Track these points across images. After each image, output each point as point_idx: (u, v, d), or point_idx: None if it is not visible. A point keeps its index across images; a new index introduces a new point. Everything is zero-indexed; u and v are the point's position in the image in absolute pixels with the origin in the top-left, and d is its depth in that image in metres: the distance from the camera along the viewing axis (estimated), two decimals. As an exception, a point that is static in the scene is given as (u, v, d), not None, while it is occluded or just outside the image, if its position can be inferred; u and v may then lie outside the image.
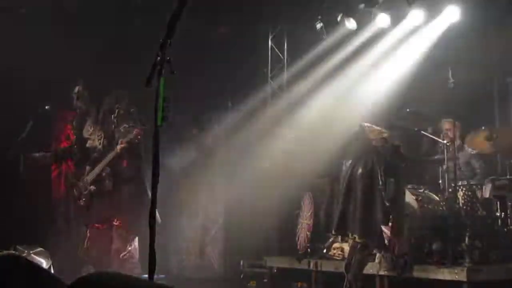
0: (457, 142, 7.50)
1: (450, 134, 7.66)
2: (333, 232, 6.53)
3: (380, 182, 6.20)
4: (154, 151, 3.14)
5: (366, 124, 6.59)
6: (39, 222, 10.23)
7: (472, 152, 7.94)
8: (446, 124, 7.85)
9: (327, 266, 7.61)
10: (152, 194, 3.12)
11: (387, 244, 6.31)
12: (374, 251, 6.54)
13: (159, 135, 3.17)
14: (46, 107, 8.24)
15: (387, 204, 6.19)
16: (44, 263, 8.15)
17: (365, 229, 6.21)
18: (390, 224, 6.42)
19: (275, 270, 8.67)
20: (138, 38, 8.93)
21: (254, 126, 9.50)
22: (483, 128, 7.62)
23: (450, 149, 7.38)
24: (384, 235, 6.34)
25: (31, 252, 8.20)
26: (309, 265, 7.83)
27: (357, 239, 6.22)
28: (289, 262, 8.38)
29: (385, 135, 6.46)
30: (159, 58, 3.20)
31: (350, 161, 6.49)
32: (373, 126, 6.53)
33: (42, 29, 9.07)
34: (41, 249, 8.52)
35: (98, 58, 9.48)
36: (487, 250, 6.61)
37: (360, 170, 6.33)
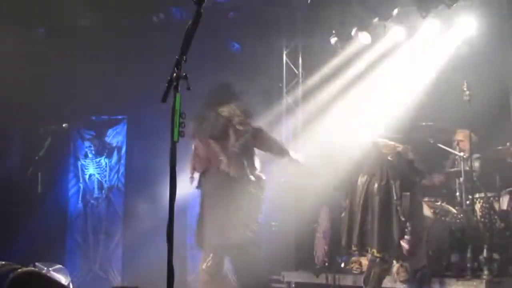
0: (467, 154, 7.47)
1: (463, 145, 7.65)
2: (353, 248, 6.48)
3: (395, 197, 6.18)
4: (171, 165, 3.18)
5: (380, 139, 6.58)
6: (57, 238, 10.33)
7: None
8: (459, 135, 7.84)
9: (345, 281, 7.58)
10: (169, 208, 3.15)
11: (405, 254, 6.30)
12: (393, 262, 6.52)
13: (176, 151, 3.21)
14: (64, 125, 8.30)
15: (403, 219, 6.17)
16: (63, 280, 8.21)
17: (383, 243, 6.18)
18: (407, 237, 6.41)
19: (293, 285, 8.65)
20: (156, 54, 9.01)
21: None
22: (508, 144, 7.62)
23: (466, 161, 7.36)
24: (403, 248, 6.33)
25: (50, 269, 8.26)
26: (327, 280, 7.81)
27: (375, 254, 6.20)
28: (307, 276, 8.36)
29: (399, 149, 6.44)
30: (175, 74, 3.24)
31: (366, 176, 6.48)
32: (387, 140, 6.52)
33: (59, 48, 9.20)
34: (60, 266, 8.58)
35: (113, 76, 9.60)
36: (506, 263, 6.58)
37: (376, 185, 6.32)
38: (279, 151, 6.46)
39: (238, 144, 6.12)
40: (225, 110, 6.19)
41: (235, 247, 6.08)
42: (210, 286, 6.19)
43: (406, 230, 6.27)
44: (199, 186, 6.36)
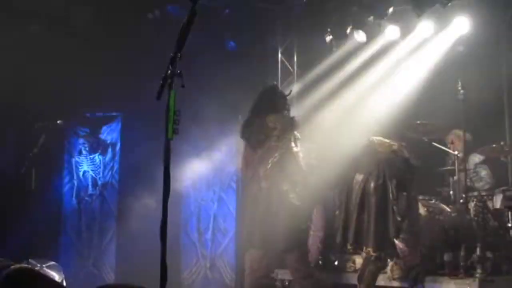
0: (462, 154, 7.49)
1: (455, 146, 7.69)
2: (348, 246, 6.47)
3: (391, 196, 6.19)
4: (165, 164, 3.17)
5: (375, 137, 6.58)
6: (50, 235, 10.31)
7: (478, 161, 7.95)
8: (453, 135, 7.87)
9: (338, 279, 7.59)
10: (163, 206, 3.15)
11: (399, 254, 6.32)
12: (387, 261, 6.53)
13: (170, 148, 3.21)
14: (58, 122, 8.29)
15: (399, 219, 6.18)
16: (56, 277, 8.19)
17: (378, 242, 6.18)
18: (402, 236, 6.43)
19: (287, 283, 8.65)
20: (150, 51, 9.00)
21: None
22: (502, 143, 7.64)
23: (461, 160, 7.39)
24: (397, 246, 6.34)
25: (43, 265, 8.25)
26: (320, 278, 7.81)
27: (371, 253, 6.20)
28: (301, 274, 8.35)
29: (394, 147, 6.44)
30: (169, 71, 3.24)
31: (362, 175, 6.47)
32: (382, 139, 6.52)
33: (54, 44, 9.18)
34: (53, 263, 8.56)
35: (108, 72, 9.58)
36: (499, 261, 6.60)
37: (372, 184, 6.31)
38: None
39: (275, 157, 6.13)
40: (272, 120, 6.16)
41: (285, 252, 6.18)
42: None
43: (401, 229, 6.29)
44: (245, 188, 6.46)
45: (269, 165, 6.04)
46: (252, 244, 6.25)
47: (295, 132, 6.29)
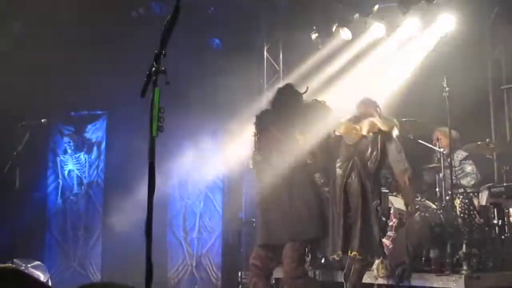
0: (447, 151, 7.50)
1: (441, 143, 7.71)
2: (338, 252, 6.35)
3: (371, 195, 6.12)
4: (150, 160, 3.16)
5: (341, 124, 6.44)
6: (35, 235, 10.23)
7: (462, 157, 7.98)
8: (439, 133, 7.89)
9: (325, 276, 7.59)
10: (148, 205, 3.13)
11: (386, 252, 6.31)
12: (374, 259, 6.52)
13: (155, 145, 3.19)
14: (42, 121, 8.23)
15: (384, 219, 6.18)
16: (41, 276, 8.14)
17: (364, 245, 6.12)
18: (389, 234, 6.45)
19: (273, 281, 8.64)
20: (135, 49, 8.95)
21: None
22: (487, 140, 7.67)
23: (446, 158, 7.41)
24: (384, 245, 6.34)
25: (28, 265, 8.20)
26: (306, 275, 7.80)
27: (358, 256, 6.13)
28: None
29: (362, 132, 6.27)
30: (153, 68, 3.22)
31: (341, 171, 6.37)
32: (348, 125, 6.37)
33: (38, 43, 9.11)
34: (38, 262, 8.52)
35: (93, 71, 9.53)
36: (485, 258, 6.63)
37: (351, 182, 6.23)
38: None
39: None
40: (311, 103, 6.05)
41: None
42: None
43: (387, 228, 6.29)
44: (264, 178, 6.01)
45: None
46: (258, 239, 5.98)
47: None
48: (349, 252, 6.14)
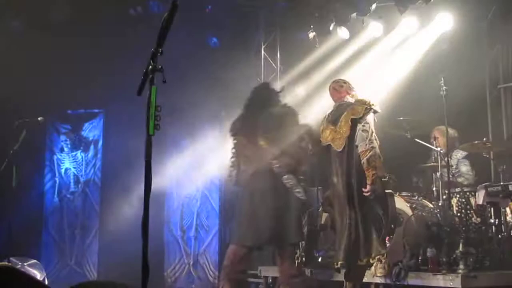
0: (444, 150, 7.50)
1: (438, 142, 7.71)
2: (339, 263, 6.33)
3: (356, 199, 6.09)
4: (146, 159, 3.15)
5: (320, 130, 6.44)
6: (32, 233, 10.22)
7: (461, 157, 7.99)
8: (436, 132, 7.89)
9: (322, 275, 7.58)
10: (144, 203, 3.12)
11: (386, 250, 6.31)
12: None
13: (151, 144, 3.19)
14: (39, 119, 8.21)
15: (384, 222, 6.14)
16: (38, 275, 8.13)
17: (367, 250, 6.11)
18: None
19: (270, 280, 8.64)
20: (132, 47, 8.95)
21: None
22: (484, 139, 7.68)
23: (444, 156, 7.42)
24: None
25: (25, 264, 8.19)
26: (303, 274, 7.80)
27: (359, 262, 6.11)
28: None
29: (343, 134, 6.18)
30: (150, 67, 3.21)
31: (336, 179, 6.35)
32: (324, 127, 6.35)
33: (35, 40, 9.10)
34: (35, 261, 8.50)
35: (90, 69, 9.51)
36: (482, 257, 6.63)
37: (340, 185, 6.20)
38: None
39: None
40: (277, 109, 6.14)
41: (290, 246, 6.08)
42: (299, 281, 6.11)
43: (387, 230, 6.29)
44: (238, 183, 6.19)
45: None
46: (242, 240, 6.08)
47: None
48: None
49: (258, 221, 5.92)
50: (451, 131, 7.53)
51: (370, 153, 5.89)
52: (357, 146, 6.01)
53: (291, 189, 5.91)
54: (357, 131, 6.02)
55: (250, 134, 6.07)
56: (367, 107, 6.08)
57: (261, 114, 6.08)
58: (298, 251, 7.05)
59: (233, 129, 6.22)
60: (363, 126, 6.00)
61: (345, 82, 6.49)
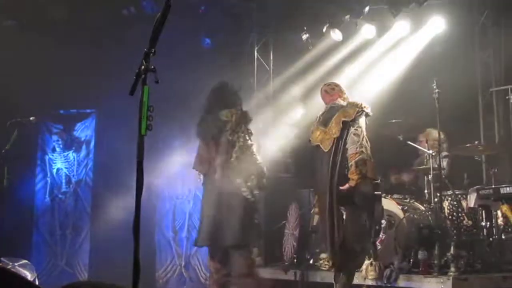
0: (436, 153, 7.51)
1: (431, 143, 7.72)
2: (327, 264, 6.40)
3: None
4: (138, 159, 3.14)
5: (311, 132, 6.52)
6: (23, 233, 10.18)
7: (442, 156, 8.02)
8: (427, 134, 7.90)
9: (313, 277, 7.59)
10: (136, 203, 3.11)
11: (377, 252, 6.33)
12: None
13: (144, 144, 3.18)
14: (31, 118, 8.18)
15: (377, 227, 6.17)
16: (29, 275, 8.07)
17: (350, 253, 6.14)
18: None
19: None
20: (125, 47, 8.93)
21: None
22: (476, 142, 7.70)
23: (436, 159, 7.43)
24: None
25: (15, 264, 8.12)
26: (295, 276, 7.81)
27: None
28: (276, 273, 8.35)
29: (332, 135, 6.26)
30: (143, 67, 3.21)
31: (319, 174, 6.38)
32: (315, 129, 6.41)
33: (28, 40, 9.07)
34: (26, 261, 8.44)
35: (83, 69, 9.49)
36: (473, 260, 6.65)
37: (325, 186, 6.22)
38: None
39: (232, 152, 6.16)
40: (223, 114, 6.20)
41: (232, 248, 6.14)
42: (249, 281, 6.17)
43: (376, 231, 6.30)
44: (203, 184, 6.45)
45: (232, 158, 6.07)
46: (202, 241, 6.34)
47: (248, 127, 6.30)
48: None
49: (201, 223, 6.31)
50: (434, 132, 7.56)
51: (359, 157, 5.92)
52: (347, 149, 6.03)
53: (238, 190, 6.00)
54: (348, 134, 6.04)
55: (203, 137, 6.32)
56: (359, 110, 6.11)
57: (219, 114, 6.23)
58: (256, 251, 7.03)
59: (198, 131, 6.40)
60: (356, 129, 6.03)
61: (336, 85, 6.53)
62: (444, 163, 8.00)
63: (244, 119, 6.29)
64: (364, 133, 6.06)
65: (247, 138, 6.18)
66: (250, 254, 6.33)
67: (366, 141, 6.03)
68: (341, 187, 5.98)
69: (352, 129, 6.03)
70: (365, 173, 5.91)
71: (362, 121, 6.11)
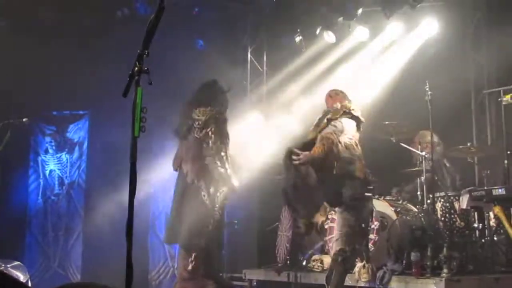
0: (429, 154, 7.52)
1: (423, 146, 7.75)
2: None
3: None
4: (131, 161, 3.14)
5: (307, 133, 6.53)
6: (15, 235, 10.15)
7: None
8: (421, 136, 7.92)
9: (306, 279, 7.59)
10: (129, 204, 3.11)
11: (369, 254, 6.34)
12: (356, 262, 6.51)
13: (137, 145, 3.18)
14: (24, 120, 8.16)
15: (363, 224, 6.15)
16: (21, 277, 8.04)
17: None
18: (371, 237, 6.45)
19: (255, 283, 8.64)
20: (119, 49, 8.92)
21: (234, 138, 9.50)
22: (469, 144, 7.72)
23: (428, 161, 7.44)
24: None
25: (8, 266, 8.08)
26: (288, 278, 7.81)
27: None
28: (269, 274, 8.35)
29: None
30: (136, 68, 3.20)
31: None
32: (311, 131, 6.36)
33: (21, 41, 9.05)
34: (18, 263, 8.41)
35: (76, 71, 9.47)
36: (465, 261, 6.66)
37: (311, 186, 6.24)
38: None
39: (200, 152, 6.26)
40: (196, 112, 6.23)
41: (197, 247, 6.18)
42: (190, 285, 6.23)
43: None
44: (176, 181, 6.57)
45: (199, 158, 6.19)
46: (168, 238, 6.53)
47: (220, 129, 6.35)
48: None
49: (168, 220, 6.71)
50: (426, 133, 7.59)
51: (327, 135, 5.92)
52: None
53: (198, 193, 6.15)
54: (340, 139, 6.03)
55: (178, 134, 6.54)
56: (345, 111, 6.12)
57: (190, 114, 6.40)
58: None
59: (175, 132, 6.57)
60: (335, 123, 6.03)
61: (342, 91, 6.53)
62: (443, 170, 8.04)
63: (214, 120, 6.32)
64: (346, 130, 6.03)
65: (217, 140, 6.20)
66: (193, 258, 6.29)
67: (356, 144, 6.05)
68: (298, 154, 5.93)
69: (331, 123, 6.04)
70: (330, 147, 5.87)
71: (345, 120, 6.10)
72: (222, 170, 6.21)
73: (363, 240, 6.20)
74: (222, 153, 6.23)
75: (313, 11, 9.36)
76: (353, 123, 6.14)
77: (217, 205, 6.28)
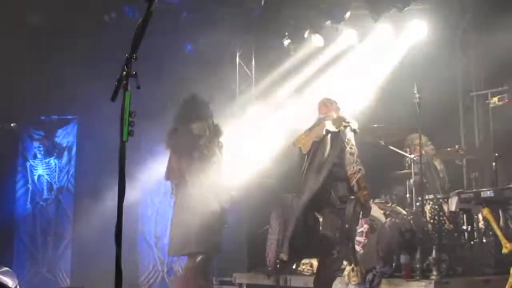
0: (417, 157, 7.54)
1: (411, 149, 7.77)
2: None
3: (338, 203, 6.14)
4: (120, 165, 3.13)
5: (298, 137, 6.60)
6: (4, 240, 10.10)
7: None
8: (410, 139, 7.94)
9: (296, 282, 7.59)
10: (118, 210, 3.10)
11: (358, 257, 6.34)
12: (344, 265, 6.52)
13: (125, 150, 3.17)
14: (12, 125, 8.13)
15: (347, 226, 6.16)
16: (10, 282, 7.99)
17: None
18: (359, 239, 6.45)
19: (245, 287, 8.64)
20: (107, 53, 8.91)
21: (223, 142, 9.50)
22: (457, 146, 7.75)
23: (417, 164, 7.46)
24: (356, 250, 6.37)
25: (-4, 272, 8.05)
26: (278, 281, 7.81)
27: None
28: (259, 278, 8.35)
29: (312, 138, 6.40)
30: (124, 72, 3.20)
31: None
32: (302, 134, 6.49)
33: (8, 45, 9.01)
34: (6, 268, 8.34)
35: (64, 75, 9.44)
36: (454, 263, 6.68)
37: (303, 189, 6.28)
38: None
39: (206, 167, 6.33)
40: (195, 128, 6.27)
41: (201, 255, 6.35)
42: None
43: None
44: (172, 193, 6.65)
45: (205, 173, 6.29)
46: (174, 251, 6.59)
47: (220, 140, 6.55)
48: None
49: (171, 232, 6.60)
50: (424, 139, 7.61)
51: (358, 175, 5.99)
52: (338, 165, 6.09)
53: (208, 205, 6.28)
54: (344, 154, 6.06)
55: (178, 150, 6.54)
56: (345, 124, 6.17)
57: (191, 127, 6.43)
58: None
59: (169, 142, 6.63)
60: (350, 148, 6.09)
61: (336, 102, 6.61)
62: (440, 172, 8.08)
63: (217, 133, 6.54)
64: (357, 151, 6.12)
65: (219, 153, 6.42)
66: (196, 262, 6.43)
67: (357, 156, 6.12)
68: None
69: (347, 148, 6.08)
70: (366, 185, 5.97)
71: (351, 137, 6.16)
72: (225, 181, 6.35)
73: (348, 242, 6.20)
74: (223, 163, 6.38)
75: (301, 15, 9.37)
76: (353, 136, 6.23)
77: (221, 213, 6.48)
